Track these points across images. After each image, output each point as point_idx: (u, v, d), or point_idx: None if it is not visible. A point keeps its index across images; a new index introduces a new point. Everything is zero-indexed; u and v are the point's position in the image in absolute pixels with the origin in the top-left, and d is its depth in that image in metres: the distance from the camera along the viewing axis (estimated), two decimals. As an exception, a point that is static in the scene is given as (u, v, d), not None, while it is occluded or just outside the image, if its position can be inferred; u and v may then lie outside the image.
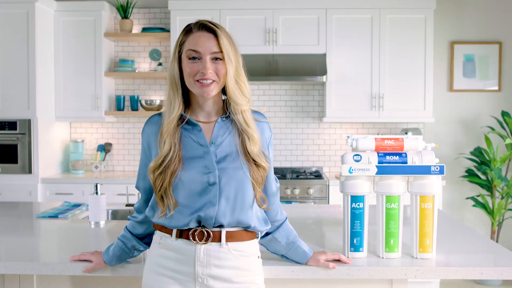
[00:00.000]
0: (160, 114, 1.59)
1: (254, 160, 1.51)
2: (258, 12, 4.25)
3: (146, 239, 1.68)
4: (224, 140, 1.53)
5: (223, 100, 1.59)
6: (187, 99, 1.57)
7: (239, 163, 1.50)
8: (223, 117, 1.55)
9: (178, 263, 1.51)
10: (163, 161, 1.49)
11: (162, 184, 1.48)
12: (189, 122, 1.54)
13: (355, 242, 1.75)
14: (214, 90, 1.49)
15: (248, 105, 1.53)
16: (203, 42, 1.48)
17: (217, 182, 1.48)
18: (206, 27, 1.50)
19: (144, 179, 1.60)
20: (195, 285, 1.50)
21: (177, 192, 1.48)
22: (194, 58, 1.49)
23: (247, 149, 1.51)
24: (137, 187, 1.64)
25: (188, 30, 1.52)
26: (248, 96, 1.54)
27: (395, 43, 4.23)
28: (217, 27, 1.50)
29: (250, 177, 1.50)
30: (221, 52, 1.48)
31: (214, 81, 1.48)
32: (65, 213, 2.52)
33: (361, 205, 1.74)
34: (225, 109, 1.56)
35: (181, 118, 1.54)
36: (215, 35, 1.49)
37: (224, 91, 1.56)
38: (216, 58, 1.49)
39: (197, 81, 1.48)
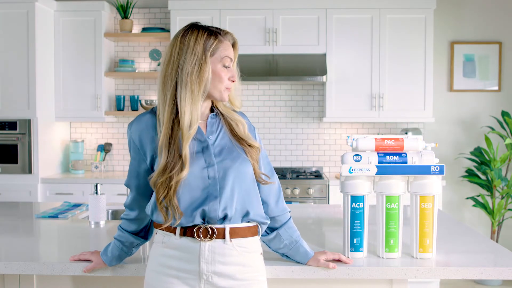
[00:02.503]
0: (150, 112, 1.59)
1: (247, 142, 1.58)
2: (258, 12, 4.25)
3: (142, 233, 1.69)
4: (218, 135, 1.58)
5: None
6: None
7: (237, 152, 1.55)
8: (212, 115, 1.60)
9: (182, 261, 1.51)
10: (165, 170, 1.48)
11: (167, 193, 1.47)
12: None
13: (355, 242, 1.75)
14: None
15: (224, 100, 1.61)
16: (231, 51, 1.57)
17: (216, 175, 1.50)
18: (232, 37, 1.59)
19: (137, 177, 1.59)
20: (200, 283, 1.50)
21: (179, 190, 1.49)
22: (227, 66, 1.56)
23: (237, 133, 1.58)
24: (127, 185, 1.63)
25: (216, 36, 1.53)
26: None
27: (395, 43, 4.23)
28: None
29: (249, 157, 1.56)
30: (234, 61, 1.59)
31: None
32: (65, 213, 2.52)
33: (361, 205, 1.74)
34: (212, 108, 1.62)
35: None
36: (233, 45, 1.59)
37: None
38: None
39: (226, 87, 1.56)
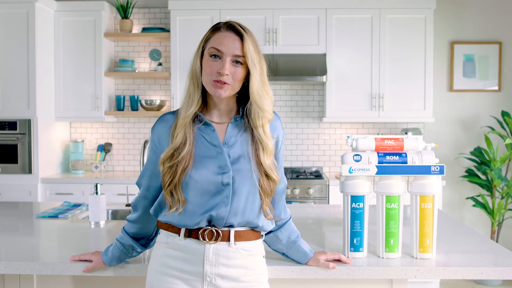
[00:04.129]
0: (172, 112, 1.58)
1: (265, 172, 1.50)
2: (258, 12, 4.25)
3: (142, 241, 1.68)
4: (237, 140, 1.53)
5: (238, 104, 1.57)
6: (204, 97, 1.56)
7: (251, 167, 1.50)
8: (236, 117, 1.55)
9: (186, 262, 1.51)
10: (173, 154, 1.48)
11: (172, 179, 1.47)
12: (203, 122, 1.53)
13: (355, 242, 1.75)
14: (227, 91, 1.48)
15: (272, 115, 1.52)
16: (227, 43, 1.47)
17: (230, 183, 1.48)
18: (234, 28, 1.49)
19: (150, 177, 1.59)
20: (203, 285, 1.50)
21: (188, 191, 1.48)
22: (215, 56, 1.47)
23: (260, 160, 1.50)
24: (138, 184, 1.63)
25: (216, 28, 1.51)
26: (272, 105, 1.52)
27: (395, 43, 4.23)
28: (245, 30, 1.49)
29: (259, 187, 1.50)
30: (243, 56, 1.47)
31: (229, 83, 1.47)
32: (65, 213, 2.52)
33: (361, 205, 1.74)
34: (239, 110, 1.56)
35: (197, 118, 1.53)
36: (241, 38, 1.48)
37: (243, 97, 1.55)
38: (237, 62, 1.48)
39: (213, 80, 1.47)
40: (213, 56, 1.47)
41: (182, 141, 1.48)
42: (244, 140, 1.53)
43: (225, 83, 1.46)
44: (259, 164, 1.50)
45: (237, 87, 1.50)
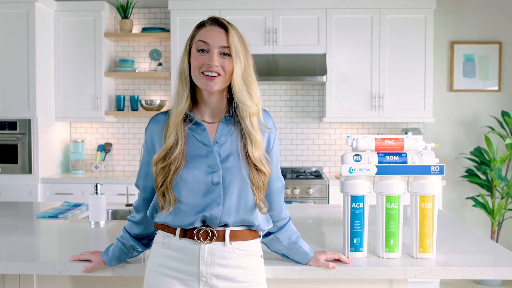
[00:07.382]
0: (165, 112, 1.59)
1: (255, 165, 1.50)
2: (258, 12, 4.25)
3: (144, 241, 1.68)
4: (228, 139, 1.53)
5: (229, 102, 1.57)
6: (194, 96, 1.56)
7: (240, 163, 1.50)
8: (227, 116, 1.54)
9: (181, 262, 1.51)
10: (166, 154, 1.48)
11: (164, 180, 1.48)
12: (193, 122, 1.54)
13: (355, 242, 1.75)
14: (218, 84, 1.48)
15: (257, 109, 1.51)
16: (213, 35, 1.48)
17: (221, 182, 1.48)
18: (218, 22, 1.50)
19: (145, 178, 1.60)
20: (199, 285, 1.50)
21: (180, 191, 1.48)
22: (202, 50, 1.48)
23: (248, 153, 1.50)
24: (136, 185, 1.64)
25: (201, 25, 1.53)
26: (257, 99, 1.51)
27: (395, 43, 4.23)
28: (229, 24, 1.51)
29: (250, 182, 1.49)
30: (229, 47, 1.47)
31: (219, 74, 1.47)
32: (65, 213, 2.52)
33: (361, 205, 1.74)
34: (229, 109, 1.56)
35: (188, 117, 1.53)
36: (226, 30, 1.49)
37: (231, 92, 1.54)
38: (224, 54, 1.48)
39: (202, 73, 1.47)
40: (200, 51, 1.48)
41: (174, 141, 1.49)
42: (234, 138, 1.53)
43: (216, 76, 1.47)
44: (248, 157, 1.50)
45: (227, 79, 1.49)
